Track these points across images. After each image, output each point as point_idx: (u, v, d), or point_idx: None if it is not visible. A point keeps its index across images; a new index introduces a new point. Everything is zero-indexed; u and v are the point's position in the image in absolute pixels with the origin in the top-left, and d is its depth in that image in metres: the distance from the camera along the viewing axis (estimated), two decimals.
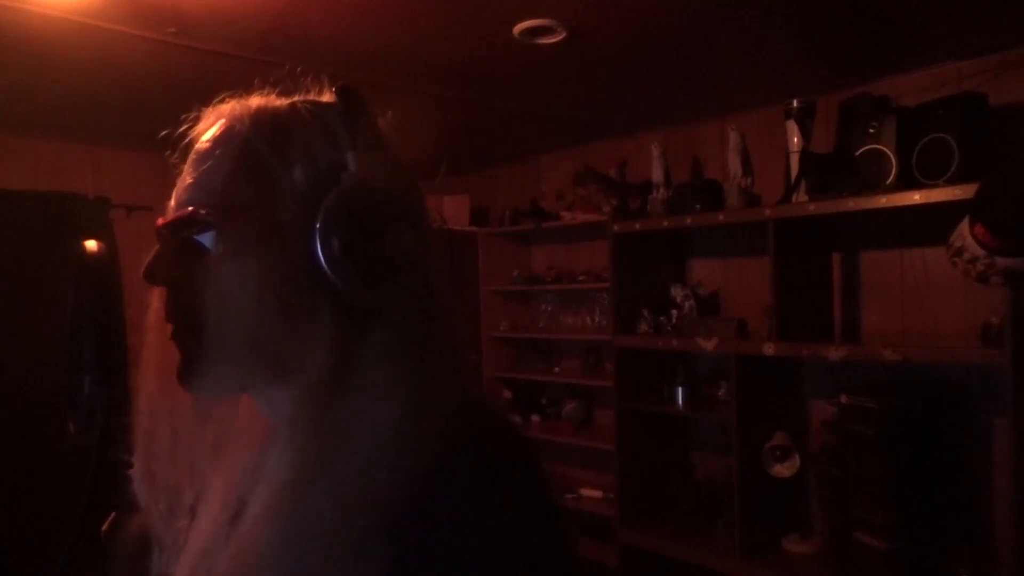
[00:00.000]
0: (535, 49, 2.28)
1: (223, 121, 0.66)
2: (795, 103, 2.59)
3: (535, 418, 3.92)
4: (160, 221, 0.66)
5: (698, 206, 2.87)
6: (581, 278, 3.66)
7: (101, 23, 1.99)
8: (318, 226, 0.60)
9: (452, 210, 4.13)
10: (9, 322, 2.91)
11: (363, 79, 2.55)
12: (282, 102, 0.68)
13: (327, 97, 0.69)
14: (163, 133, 0.72)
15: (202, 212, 0.62)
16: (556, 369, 3.94)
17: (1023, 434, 2.07)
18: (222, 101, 0.68)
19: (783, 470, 2.68)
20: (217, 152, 0.64)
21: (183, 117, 0.69)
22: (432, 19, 2.07)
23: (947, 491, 2.39)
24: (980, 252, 1.93)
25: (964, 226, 1.98)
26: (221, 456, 0.69)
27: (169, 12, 1.94)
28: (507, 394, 4.04)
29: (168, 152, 0.70)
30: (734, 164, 2.84)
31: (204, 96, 0.69)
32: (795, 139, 2.59)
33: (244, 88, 0.70)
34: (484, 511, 0.58)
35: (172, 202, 0.66)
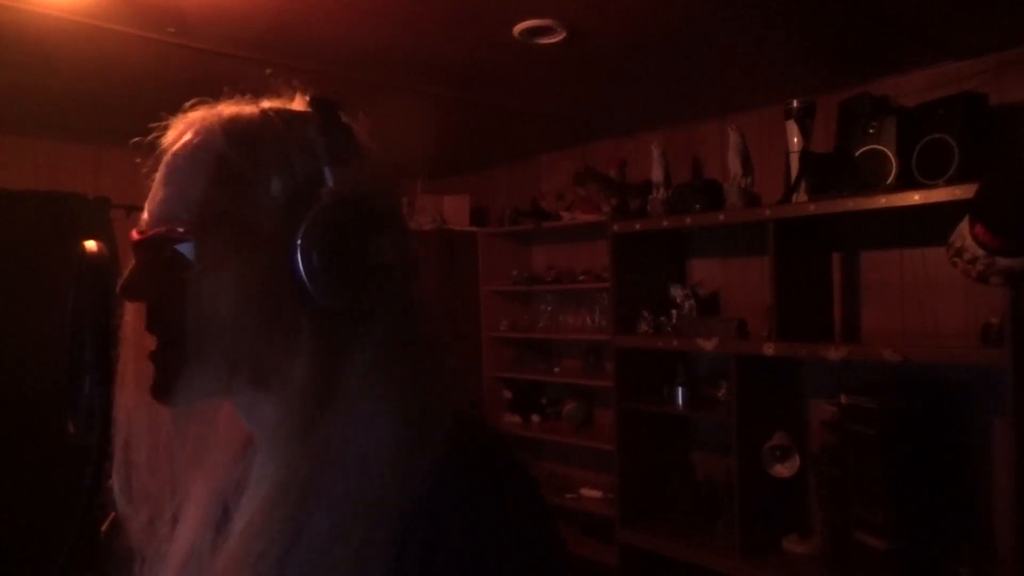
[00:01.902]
0: (535, 49, 2.28)
1: (195, 131, 0.65)
2: (795, 103, 2.59)
3: (535, 418, 3.92)
4: (135, 236, 0.65)
5: (698, 206, 2.87)
6: (581, 278, 3.66)
7: (101, 23, 1.99)
8: (299, 240, 0.60)
9: (452, 210, 4.14)
10: (9, 322, 2.91)
11: (363, 79, 2.55)
12: (253, 110, 0.67)
13: (297, 103, 0.68)
14: (134, 140, 0.70)
15: (180, 229, 0.61)
16: (556, 369, 3.94)
17: (1023, 434, 2.07)
18: (190, 108, 0.67)
19: (783, 470, 2.68)
20: (192, 165, 0.63)
21: (153, 125, 0.68)
22: (432, 19, 2.07)
23: (947, 491, 2.39)
24: (980, 252, 1.93)
25: (964, 226, 1.98)
26: (200, 465, 0.69)
27: (169, 12, 1.94)
28: (507, 394, 4.04)
29: (138, 160, 0.68)
30: (734, 164, 2.84)
31: (204, 96, 0.69)
32: (795, 139, 2.59)
33: (227, 89, 0.69)
34: (484, 521, 0.58)
35: (146, 215, 0.65)
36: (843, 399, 2.46)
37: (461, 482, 0.59)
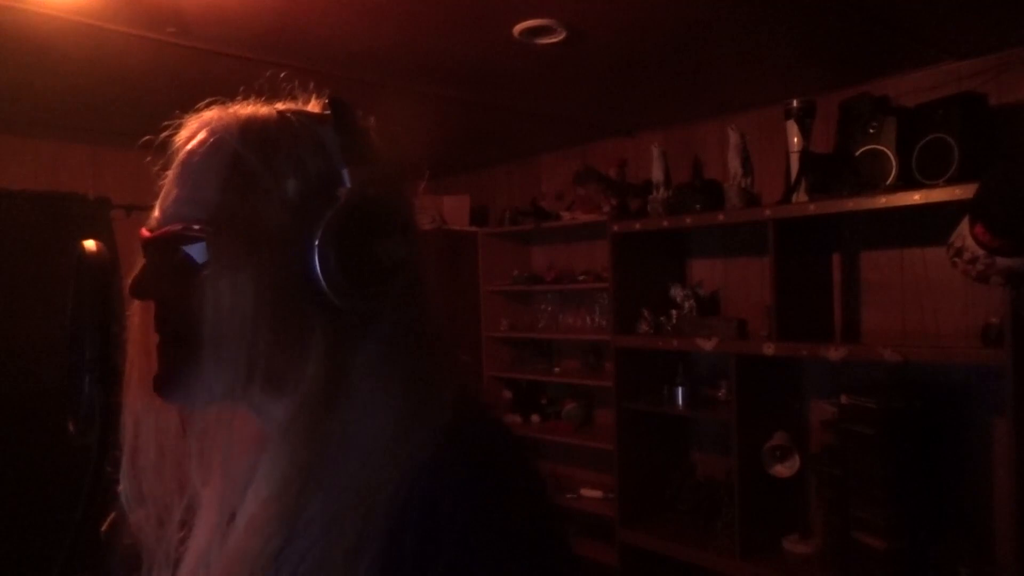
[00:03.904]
0: (535, 49, 2.28)
1: (210, 131, 0.65)
2: (795, 103, 2.59)
3: (535, 418, 3.92)
4: (147, 234, 0.64)
5: (698, 206, 2.87)
6: (581, 278, 3.66)
7: (101, 23, 1.99)
8: (317, 241, 0.60)
9: (452, 210, 4.14)
10: (9, 322, 2.92)
11: (363, 79, 2.55)
12: (269, 111, 0.67)
13: (313, 106, 0.68)
14: (145, 138, 0.70)
15: (194, 228, 0.61)
16: (556, 369, 3.94)
17: (1023, 434, 2.07)
18: (205, 107, 0.67)
19: (783, 470, 2.68)
20: (206, 165, 0.63)
21: (164, 124, 0.67)
22: (432, 19, 2.07)
23: (947, 491, 2.39)
24: (980, 252, 1.93)
25: (964, 226, 1.98)
26: (210, 468, 0.69)
27: (169, 12, 1.94)
28: (507, 394, 4.03)
29: (149, 158, 0.68)
30: (734, 164, 2.84)
31: (204, 96, 0.69)
32: (795, 139, 2.59)
33: (243, 89, 0.69)
34: (480, 511, 0.57)
35: (157, 213, 0.65)
36: (843, 399, 2.46)
37: (455, 472, 0.59)
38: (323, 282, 0.60)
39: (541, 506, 0.63)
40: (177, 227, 0.62)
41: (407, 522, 0.56)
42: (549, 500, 0.64)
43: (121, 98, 2.68)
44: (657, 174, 3.14)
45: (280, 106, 0.68)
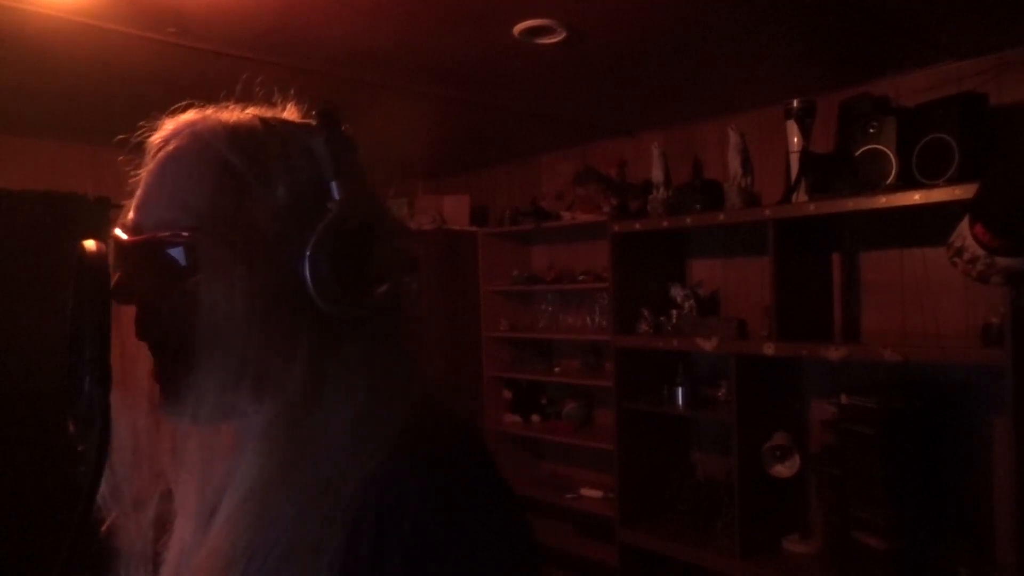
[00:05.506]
0: (535, 49, 2.28)
1: (194, 135, 0.64)
2: (795, 103, 2.59)
3: (535, 418, 3.92)
4: (127, 238, 0.64)
5: (698, 206, 2.87)
6: (581, 278, 3.66)
7: (101, 23, 1.99)
8: (308, 252, 0.61)
9: (452, 210, 4.13)
10: (9, 322, 2.92)
11: (363, 79, 2.55)
12: (252, 118, 0.67)
13: (290, 113, 0.69)
14: (119, 137, 0.69)
15: (183, 234, 0.61)
16: (556, 369, 3.94)
17: (1023, 434, 2.07)
18: (182, 110, 0.67)
19: (783, 470, 2.68)
20: (194, 169, 0.63)
21: (140, 124, 0.67)
22: (432, 19, 2.07)
23: (947, 491, 2.39)
24: (980, 252, 1.92)
25: (964, 226, 1.97)
26: (186, 467, 0.69)
27: (169, 12, 1.94)
28: (507, 394, 4.04)
29: (122, 157, 0.68)
30: (734, 164, 2.84)
31: (204, 97, 0.69)
32: (795, 139, 2.59)
33: (242, 90, 0.69)
34: (434, 512, 0.58)
35: (135, 216, 0.64)
36: (843, 399, 2.46)
37: (412, 474, 0.59)
38: (313, 290, 0.61)
39: (497, 506, 0.63)
40: (165, 232, 0.62)
41: (365, 521, 0.57)
42: (506, 500, 0.64)
43: (121, 98, 2.67)
44: (657, 174, 3.14)
45: (261, 112, 0.68)
